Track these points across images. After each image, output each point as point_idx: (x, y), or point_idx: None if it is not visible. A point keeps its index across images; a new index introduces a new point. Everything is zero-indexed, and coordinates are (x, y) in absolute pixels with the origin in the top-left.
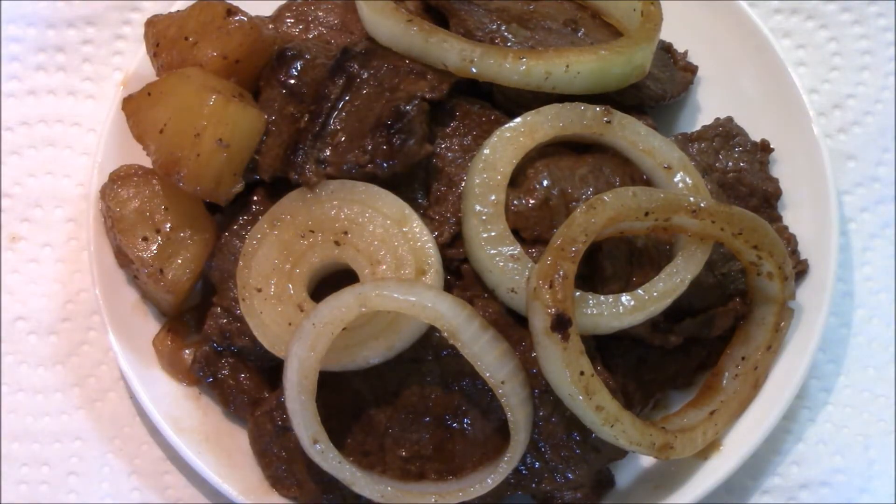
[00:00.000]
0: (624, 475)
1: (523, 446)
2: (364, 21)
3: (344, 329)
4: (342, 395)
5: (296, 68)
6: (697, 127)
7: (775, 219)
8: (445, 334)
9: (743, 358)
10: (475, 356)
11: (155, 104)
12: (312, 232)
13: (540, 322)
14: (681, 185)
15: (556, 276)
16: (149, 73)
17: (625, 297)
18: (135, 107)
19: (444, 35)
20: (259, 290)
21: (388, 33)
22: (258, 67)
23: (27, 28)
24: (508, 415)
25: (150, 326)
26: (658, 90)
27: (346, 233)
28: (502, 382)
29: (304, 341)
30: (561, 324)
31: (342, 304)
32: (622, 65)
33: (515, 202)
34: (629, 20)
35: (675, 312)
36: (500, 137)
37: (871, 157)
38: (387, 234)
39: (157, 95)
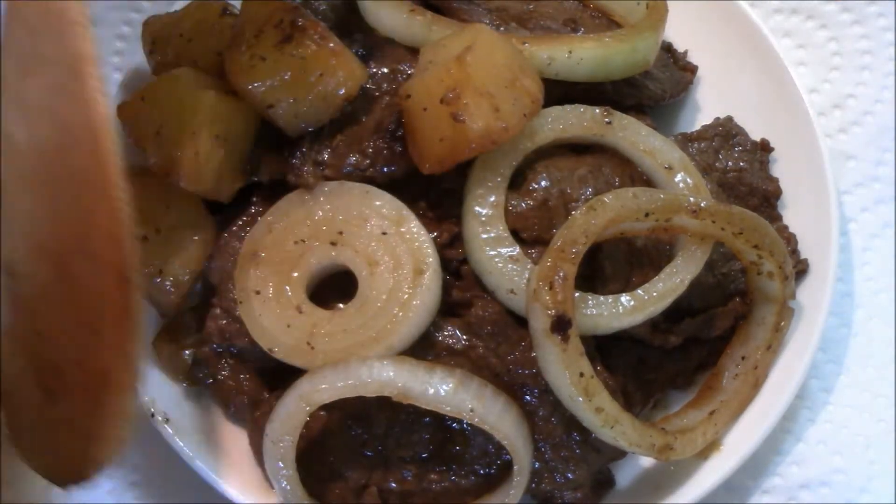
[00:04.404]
0: (624, 475)
1: (528, 470)
2: (365, 13)
3: (343, 330)
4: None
5: None
6: (697, 127)
7: (775, 218)
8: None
9: (743, 358)
10: (435, 408)
11: (149, 108)
12: (309, 234)
13: (540, 323)
14: (681, 185)
15: (556, 277)
16: (148, 72)
17: (624, 298)
18: (130, 112)
19: (445, 24)
20: (257, 293)
21: (390, 24)
22: None
23: None
24: (504, 442)
25: (150, 326)
26: (658, 90)
27: (340, 232)
28: (472, 411)
29: (274, 458)
30: (561, 325)
31: (289, 413)
32: (626, 52)
33: (515, 203)
34: (633, 16)
35: (675, 312)
36: None
37: (871, 157)
38: (384, 234)
39: (150, 99)
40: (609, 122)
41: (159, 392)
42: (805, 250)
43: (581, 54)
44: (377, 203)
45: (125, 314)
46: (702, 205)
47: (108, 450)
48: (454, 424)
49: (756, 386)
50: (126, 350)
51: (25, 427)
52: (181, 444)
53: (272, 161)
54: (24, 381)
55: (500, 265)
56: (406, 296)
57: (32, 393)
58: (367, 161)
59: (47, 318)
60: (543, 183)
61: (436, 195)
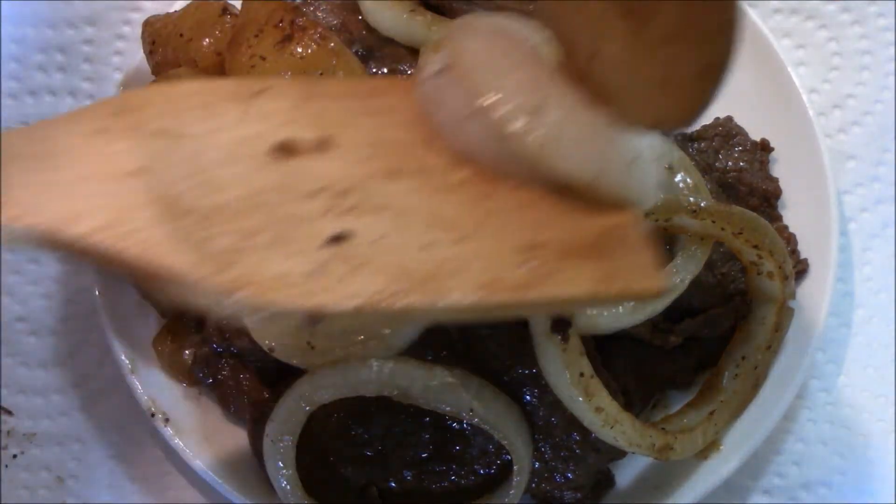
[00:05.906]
0: (624, 475)
1: (528, 470)
2: (365, 13)
3: (343, 330)
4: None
5: None
6: (697, 127)
7: (775, 218)
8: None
9: (743, 357)
10: (435, 408)
11: None
12: None
13: (540, 324)
14: (681, 185)
15: None
16: (148, 72)
17: None
18: None
19: (445, 24)
20: None
21: (391, 24)
22: None
23: (27, 28)
24: (504, 442)
25: (150, 326)
26: None
27: None
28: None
29: (274, 458)
30: (561, 325)
31: (290, 413)
32: None
33: None
34: None
35: (675, 312)
36: None
37: (871, 157)
38: None
39: None
40: None
41: (159, 392)
42: (805, 250)
43: None
44: None
45: None
46: (702, 205)
47: (725, 42)
48: (454, 424)
49: (756, 386)
50: None
51: (619, 74)
52: (181, 444)
53: None
54: (602, 23)
55: None
56: None
57: (615, 31)
58: None
59: None
60: None
61: None
